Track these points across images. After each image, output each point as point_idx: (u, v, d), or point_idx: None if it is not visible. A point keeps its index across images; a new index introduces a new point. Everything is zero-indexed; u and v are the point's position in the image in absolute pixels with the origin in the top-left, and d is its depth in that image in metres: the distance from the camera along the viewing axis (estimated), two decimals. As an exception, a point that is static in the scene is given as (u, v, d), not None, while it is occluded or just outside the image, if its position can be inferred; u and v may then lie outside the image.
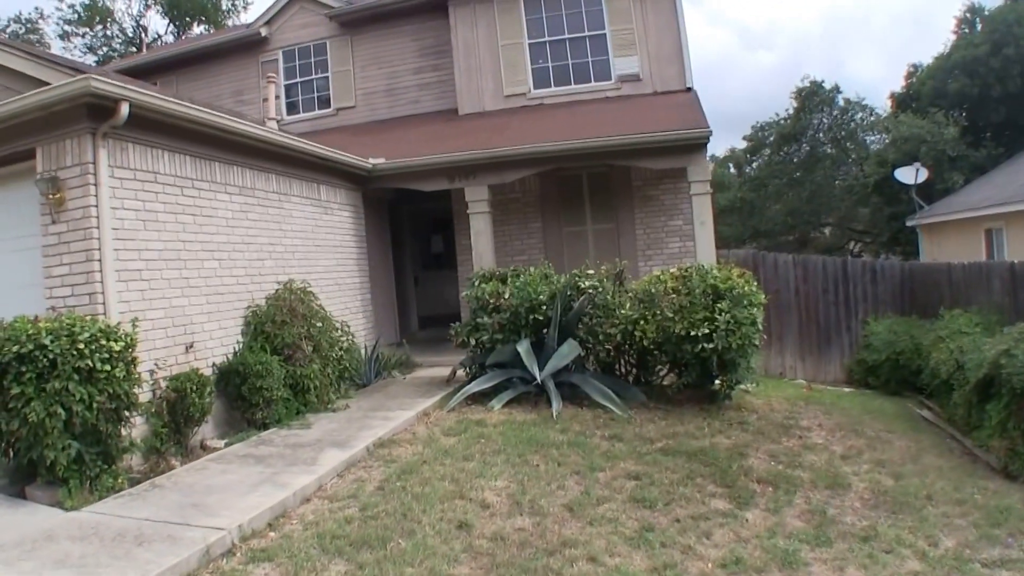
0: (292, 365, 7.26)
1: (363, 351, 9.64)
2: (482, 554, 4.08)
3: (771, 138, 25.32)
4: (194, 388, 5.99)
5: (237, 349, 7.16)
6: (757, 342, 7.29)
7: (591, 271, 7.76)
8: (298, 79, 13.44)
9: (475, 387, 7.50)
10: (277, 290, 7.76)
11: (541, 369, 7.28)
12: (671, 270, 7.83)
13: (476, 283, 8.18)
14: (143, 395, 5.81)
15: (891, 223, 20.52)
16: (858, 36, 70.29)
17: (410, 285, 13.40)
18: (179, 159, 6.76)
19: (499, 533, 4.36)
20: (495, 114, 11.68)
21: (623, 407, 7.11)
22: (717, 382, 7.72)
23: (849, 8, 73.28)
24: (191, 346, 6.57)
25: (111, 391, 4.97)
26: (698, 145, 9.30)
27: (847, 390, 10.36)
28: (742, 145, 27.69)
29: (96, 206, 5.76)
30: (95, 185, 5.77)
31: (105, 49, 27.44)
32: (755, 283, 7.58)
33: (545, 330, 7.67)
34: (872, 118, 23.78)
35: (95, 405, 4.86)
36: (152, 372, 6.04)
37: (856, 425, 7.82)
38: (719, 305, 7.09)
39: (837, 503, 5.46)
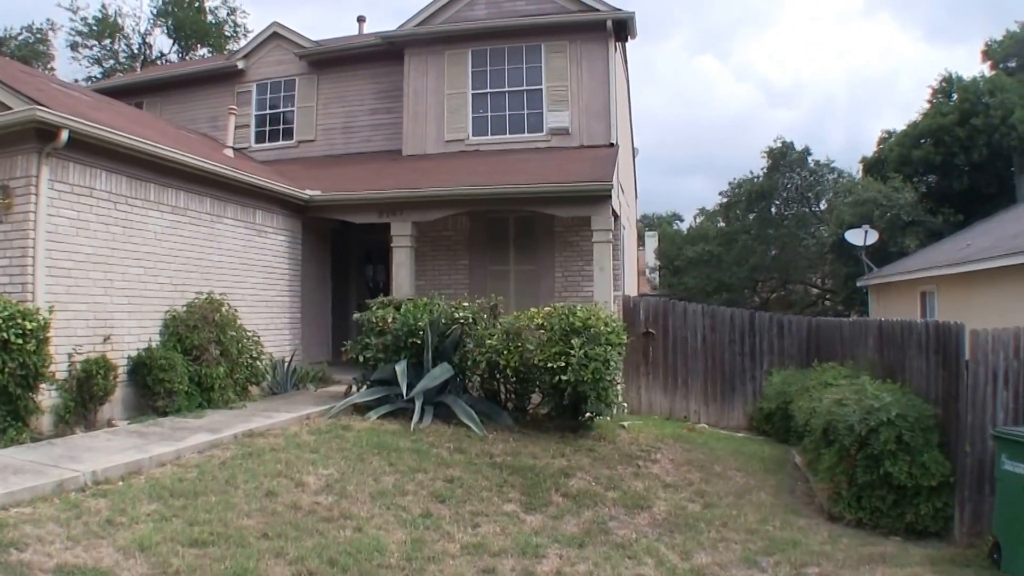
0: (199, 365, 8.80)
1: (286, 363, 11.21)
2: (271, 514, 5.47)
3: (744, 195, 27.03)
4: (99, 371, 7.53)
5: (154, 345, 8.73)
6: (609, 378, 8.66)
7: (466, 303, 9.31)
8: (268, 111, 15.31)
9: (356, 399, 9.00)
10: (195, 299, 9.36)
11: (412, 388, 8.74)
12: (545, 308, 9.31)
13: (373, 308, 9.72)
14: (60, 373, 7.41)
15: (848, 283, 21.94)
16: (885, 99, 72.93)
17: (352, 310, 14.96)
18: (116, 178, 8.43)
19: (297, 503, 5.77)
20: (434, 157, 13.38)
21: (481, 427, 8.48)
22: (588, 414, 9.11)
23: (877, 72, 76.23)
24: (108, 338, 8.14)
25: (22, 361, 6.52)
26: (600, 197, 10.84)
27: (739, 435, 11.54)
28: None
29: (34, 212, 7.40)
30: (35, 195, 7.42)
31: (111, 62, 30.02)
32: (616, 325, 9.05)
33: (426, 353, 9.17)
34: (843, 180, 25.44)
35: (7, 370, 6.41)
36: (70, 355, 7.60)
37: (710, 462, 8.95)
38: (573, 341, 8.55)
39: (624, 519, 6.56)
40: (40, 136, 7.41)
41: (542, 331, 8.86)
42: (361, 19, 16.89)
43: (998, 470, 6.04)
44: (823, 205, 26.50)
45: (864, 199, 20.60)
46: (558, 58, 13.05)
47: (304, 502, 5.83)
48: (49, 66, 29.20)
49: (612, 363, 8.63)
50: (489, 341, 8.83)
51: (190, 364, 8.72)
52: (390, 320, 9.10)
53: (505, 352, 8.75)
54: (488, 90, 13.41)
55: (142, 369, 8.33)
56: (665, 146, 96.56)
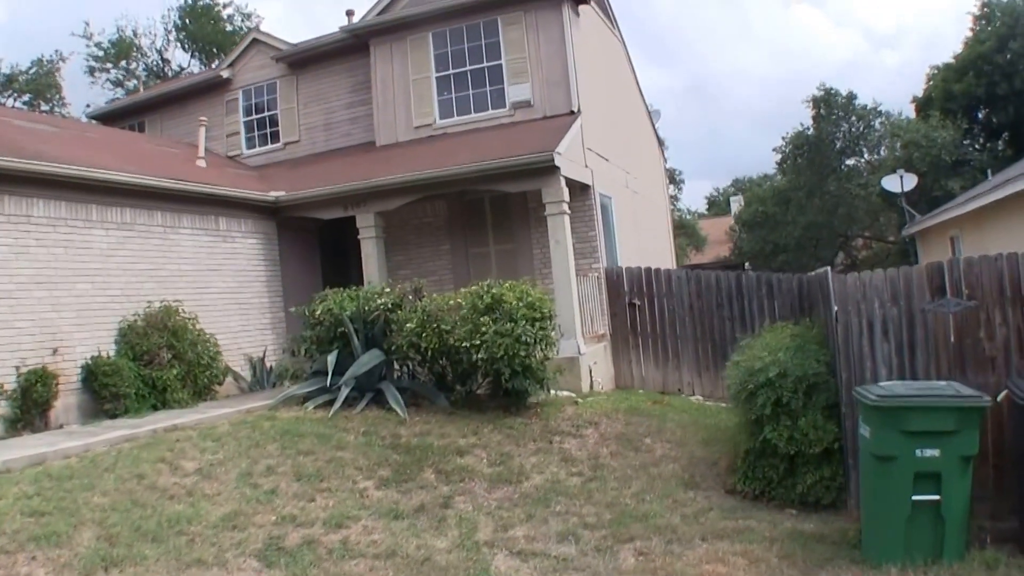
0: (150, 369, 9.99)
1: (269, 363, 12.37)
2: (125, 493, 6.33)
3: (800, 150, 25.99)
4: (38, 381, 8.76)
5: (107, 354, 9.96)
6: (525, 354, 9.14)
7: (388, 289, 10.02)
8: (254, 116, 16.57)
9: (294, 390, 9.87)
10: (149, 308, 10.55)
11: (341, 376, 9.54)
12: (472, 288, 9.87)
13: (316, 301, 10.58)
14: (9, 385, 8.71)
15: (900, 233, 20.97)
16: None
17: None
18: (54, 204, 9.63)
19: (156, 484, 6.61)
20: (404, 144, 14.12)
21: (405, 410, 9.15)
22: (519, 391, 9.62)
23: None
24: (56, 350, 9.41)
25: (-44, 377, 7.86)
26: (547, 168, 11.17)
27: (724, 405, 11.60)
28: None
29: (-27, 244, 8.78)
30: (-27, 229, 8.79)
31: (133, 82, 32.60)
32: (535, 299, 9.47)
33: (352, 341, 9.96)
34: (891, 124, 24.10)
35: (-57, 385, 7.76)
36: (17, 368, 8.88)
37: (643, 436, 9.16)
38: (483, 319, 9.10)
39: (480, 493, 7.13)
40: (-30, 177, 8.73)
41: (464, 311, 9.45)
42: (350, 13, 17.71)
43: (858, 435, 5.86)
44: (883, 152, 25.20)
45: (906, 141, 19.68)
46: (514, 30, 13.48)
47: (164, 483, 6.70)
48: (59, 96, 32.20)
49: (526, 338, 9.05)
50: (408, 325, 9.49)
51: (141, 368, 9.89)
52: (318, 312, 9.96)
53: (424, 335, 9.39)
54: (451, 71, 14.01)
55: (91, 376, 9.58)
56: (769, 104, 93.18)
